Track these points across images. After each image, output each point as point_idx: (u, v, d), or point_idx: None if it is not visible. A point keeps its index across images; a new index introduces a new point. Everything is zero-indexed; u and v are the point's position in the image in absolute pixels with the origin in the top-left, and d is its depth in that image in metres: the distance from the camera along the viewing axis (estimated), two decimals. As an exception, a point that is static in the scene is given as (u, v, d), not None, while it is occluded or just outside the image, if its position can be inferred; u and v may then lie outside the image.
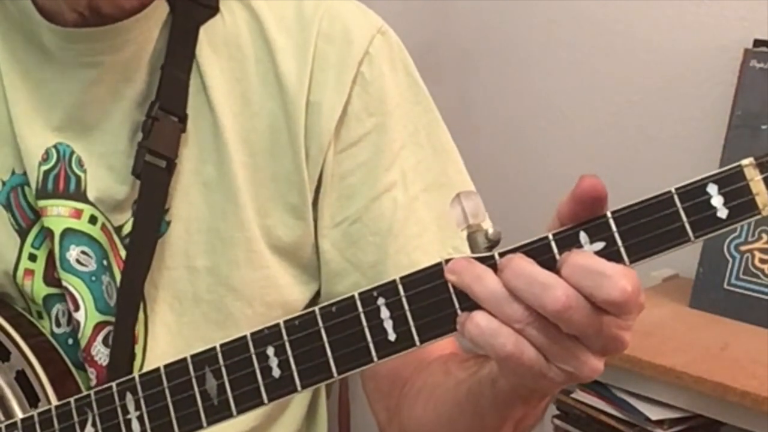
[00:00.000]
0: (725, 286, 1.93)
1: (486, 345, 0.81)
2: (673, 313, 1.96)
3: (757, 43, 1.99)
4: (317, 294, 1.19)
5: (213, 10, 1.14)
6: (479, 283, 0.81)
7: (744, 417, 1.71)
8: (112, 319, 1.12)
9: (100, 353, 1.13)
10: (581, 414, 1.95)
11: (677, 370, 1.75)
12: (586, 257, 0.79)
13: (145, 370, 0.98)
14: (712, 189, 0.77)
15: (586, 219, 0.80)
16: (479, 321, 0.81)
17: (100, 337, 1.13)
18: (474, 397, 0.95)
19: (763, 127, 1.88)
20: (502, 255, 0.82)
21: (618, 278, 0.77)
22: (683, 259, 2.03)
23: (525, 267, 0.80)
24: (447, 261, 0.83)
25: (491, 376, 0.90)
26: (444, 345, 1.07)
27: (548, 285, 0.78)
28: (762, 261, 1.90)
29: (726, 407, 1.72)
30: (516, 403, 0.91)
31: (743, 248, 1.91)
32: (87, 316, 1.13)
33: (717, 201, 0.76)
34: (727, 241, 1.93)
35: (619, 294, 0.77)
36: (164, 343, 1.14)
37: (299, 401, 1.23)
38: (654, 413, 1.82)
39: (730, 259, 1.93)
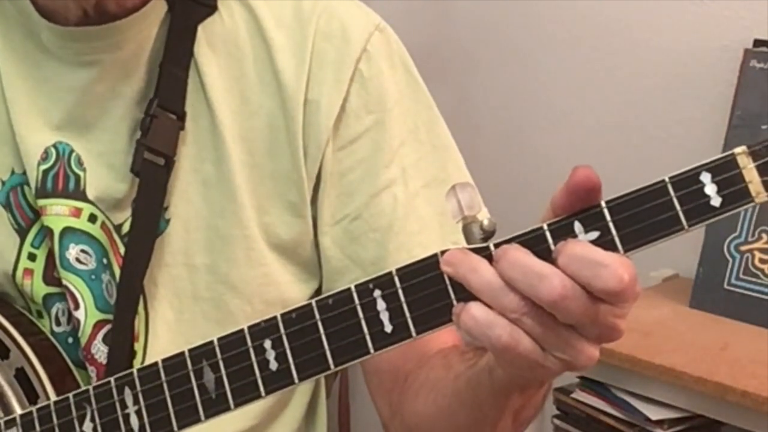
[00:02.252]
0: (725, 286, 1.93)
1: (482, 336, 0.81)
2: (673, 313, 1.95)
3: (757, 43, 1.99)
4: (317, 292, 1.19)
5: (211, 8, 1.14)
6: (475, 274, 0.81)
7: (744, 417, 1.71)
8: (113, 317, 1.13)
9: (100, 351, 1.13)
10: (581, 414, 1.95)
11: (677, 370, 1.74)
12: (582, 247, 0.79)
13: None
14: (706, 177, 0.77)
15: (580, 209, 0.80)
16: (475, 312, 0.81)
17: (100, 336, 1.14)
18: (473, 388, 0.95)
19: (763, 127, 1.88)
20: (497, 246, 0.82)
21: (615, 267, 0.77)
22: (683, 259, 2.03)
23: (520, 257, 0.80)
24: (443, 253, 0.83)
25: (488, 366, 0.91)
26: (445, 337, 1.08)
27: (544, 275, 0.78)
28: (762, 261, 1.90)
29: (726, 407, 1.72)
30: (513, 393, 0.92)
31: (743, 248, 1.91)
32: (87, 314, 1.13)
33: (710, 189, 0.76)
34: (727, 241, 1.92)
35: (616, 283, 0.77)
36: (164, 340, 1.14)
37: (299, 400, 1.23)
38: (654, 413, 1.82)
39: (730, 259, 1.92)
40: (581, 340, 0.81)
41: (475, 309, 0.81)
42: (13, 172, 1.15)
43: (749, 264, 1.91)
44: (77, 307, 1.13)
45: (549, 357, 0.81)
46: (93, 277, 1.13)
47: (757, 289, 1.90)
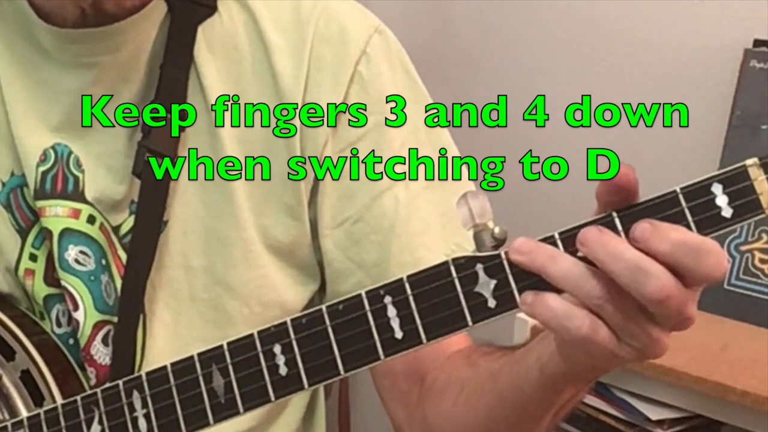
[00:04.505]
0: (725, 286, 1.93)
1: (560, 328, 0.80)
2: (673, 313, 1.95)
3: (757, 43, 1.99)
4: (315, 294, 1.19)
5: (211, 9, 1.14)
6: (554, 263, 0.80)
7: (744, 417, 1.71)
8: (111, 318, 1.13)
9: (100, 352, 1.13)
10: (581, 414, 1.94)
11: (677, 370, 1.74)
12: (678, 232, 0.77)
13: (144, 369, 0.98)
14: (717, 188, 0.77)
15: (592, 219, 0.80)
16: (551, 304, 0.80)
17: (99, 337, 1.14)
18: (518, 386, 0.95)
19: (763, 127, 1.88)
20: (507, 254, 0.82)
21: (719, 253, 0.77)
22: (683, 259, 2.02)
23: (624, 251, 0.78)
24: (454, 260, 0.83)
25: (539, 363, 0.90)
26: (458, 339, 1.07)
27: (651, 273, 0.77)
28: (762, 261, 1.90)
29: (726, 407, 1.72)
30: (566, 387, 0.91)
31: (743, 248, 1.91)
32: (86, 315, 1.13)
33: (722, 200, 0.77)
34: (727, 241, 1.92)
35: (721, 271, 0.77)
36: (162, 342, 1.14)
37: (297, 402, 1.23)
38: (654, 413, 1.82)
39: (730, 259, 1.93)
40: (658, 330, 0.80)
41: (551, 300, 0.80)
42: (12, 174, 1.15)
43: (749, 264, 1.91)
44: (76, 308, 1.13)
45: (624, 346, 0.80)
46: (92, 278, 1.13)
47: (757, 289, 1.90)
